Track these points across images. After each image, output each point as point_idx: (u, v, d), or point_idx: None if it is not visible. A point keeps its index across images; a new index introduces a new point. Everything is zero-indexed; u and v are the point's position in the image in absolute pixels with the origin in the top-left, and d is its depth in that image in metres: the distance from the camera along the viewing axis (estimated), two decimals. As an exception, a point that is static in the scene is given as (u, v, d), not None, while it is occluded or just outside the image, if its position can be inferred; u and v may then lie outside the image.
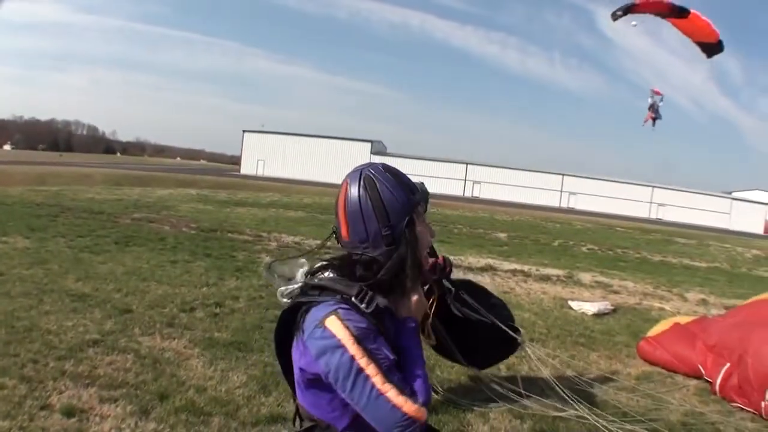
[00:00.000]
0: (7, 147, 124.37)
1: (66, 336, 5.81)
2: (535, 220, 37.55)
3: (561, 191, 79.33)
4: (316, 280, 1.71)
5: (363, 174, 1.74)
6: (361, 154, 78.83)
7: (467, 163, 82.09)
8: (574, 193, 78.53)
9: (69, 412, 4.19)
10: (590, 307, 9.82)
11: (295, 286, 1.74)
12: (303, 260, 1.84)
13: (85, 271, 8.70)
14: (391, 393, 1.51)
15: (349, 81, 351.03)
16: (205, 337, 6.27)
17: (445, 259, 4.47)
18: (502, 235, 23.25)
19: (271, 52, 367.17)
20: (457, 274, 11.42)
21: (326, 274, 1.73)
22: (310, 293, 1.68)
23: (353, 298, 1.62)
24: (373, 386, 1.51)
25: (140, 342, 5.90)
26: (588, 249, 21.41)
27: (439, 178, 74.64)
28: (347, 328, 1.54)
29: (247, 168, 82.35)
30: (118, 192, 25.35)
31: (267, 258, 11.72)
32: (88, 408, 4.31)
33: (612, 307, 10.20)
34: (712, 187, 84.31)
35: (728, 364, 6.46)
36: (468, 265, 13.74)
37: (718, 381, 6.42)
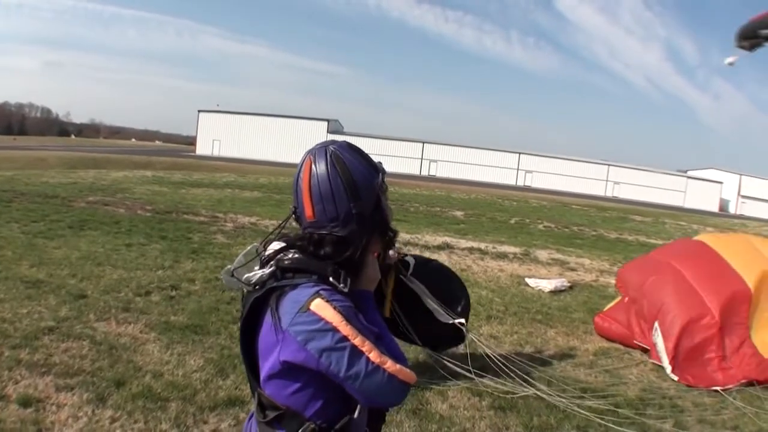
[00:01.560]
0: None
1: (21, 324, 5.71)
2: (492, 198, 37.90)
3: (517, 169, 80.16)
4: (286, 262, 1.64)
5: (329, 151, 1.68)
6: (317, 133, 78.19)
7: (423, 142, 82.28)
8: (530, 172, 79.46)
9: (25, 402, 4.15)
10: (547, 284, 10.02)
11: (265, 271, 1.66)
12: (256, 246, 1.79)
13: (39, 257, 8.53)
14: (388, 364, 1.54)
15: (304, 59, 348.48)
16: (161, 321, 6.24)
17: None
18: (459, 213, 23.46)
19: (225, 30, 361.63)
20: (413, 252, 11.61)
21: (290, 255, 1.66)
22: (283, 276, 1.63)
23: (331, 278, 1.60)
24: (369, 361, 1.52)
25: (96, 328, 5.84)
26: (544, 227, 21.75)
27: (396, 157, 74.72)
28: (335, 308, 1.52)
29: (202, 148, 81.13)
30: (73, 175, 24.76)
31: (222, 238, 11.66)
32: (44, 397, 4.28)
33: (569, 284, 10.42)
34: (668, 165, 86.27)
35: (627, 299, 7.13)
36: (425, 243, 13.86)
37: (635, 327, 6.87)
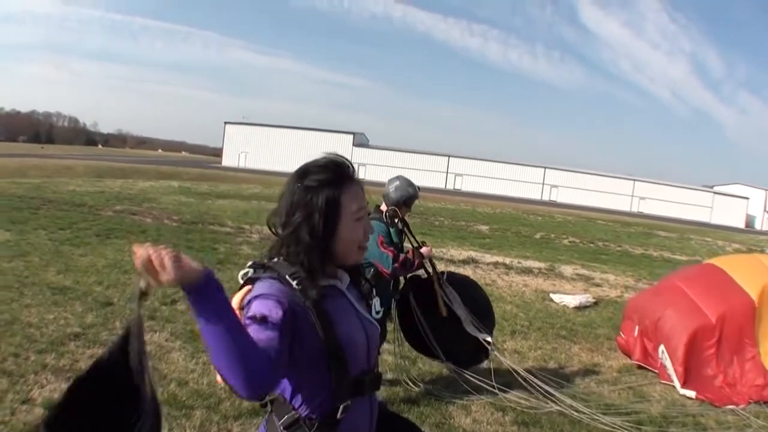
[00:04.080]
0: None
1: (47, 329, 5.77)
2: (517, 212, 37.71)
3: (543, 184, 79.70)
4: (265, 260, 1.74)
5: None
6: (342, 146, 78.68)
7: (449, 156, 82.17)
8: (555, 186, 78.93)
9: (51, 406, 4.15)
10: (571, 300, 9.91)
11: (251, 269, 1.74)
12: None
13: (66, 264, 8.64)
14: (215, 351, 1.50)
15: (330, 73, 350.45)
16: (186, 329, 6.25)
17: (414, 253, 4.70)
18: (484, 228, 23.35)
19: (251, 43, 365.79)
20: (438, 268, 11.49)
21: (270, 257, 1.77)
22: (257, 271, 1.71)
23: (287, 276, 1.64)
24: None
25: (122, 335, 5.86)
26: (569, 242, 21.56)
27: (421, 171, 74.66)
28: (259, 288, 1.63)
29: (228, 160, 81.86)
30: (100, 184, 25.13)
31: (247, 249, 11.71)
32: (69, 402, 4.28)
33: (593, 300, 10.31)
34: (693, 180, 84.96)
35: (637, 327, 6.87)
36: (450, 257, 13.81)
37: (637, 348, 6.74)
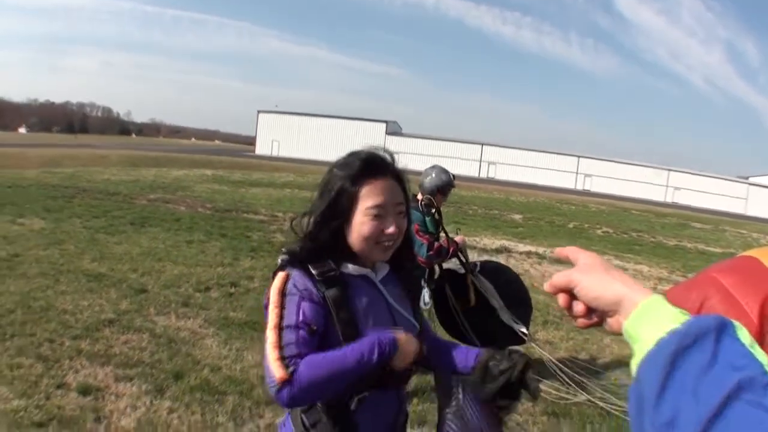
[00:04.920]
0: (22, 130, 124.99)
1: (82, 315, 5.86)
2: (551, 201, 37.28)
3: (576, 173, 78.74)
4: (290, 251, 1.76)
5: None
6: (375, 134, 78.66)
7: (482, 144, 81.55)
8: (589, 175, 77.91)
9: (85, 391, 4.25)
10: (605, 291, 9.75)
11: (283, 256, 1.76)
12: None
13: (101, 252, 8.76)
14: (273, 351, 1.55)
15: (362, 61, 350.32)
16: (220, 316, 6.30)
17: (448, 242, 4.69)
18: (518, 217, 23.16)
19: (284, 33, 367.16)
20: (471, 256, 11.40)
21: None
22: (284, 260, 1.73)
23: (310, 265, 1.68)
24: (266, 328, 1.60)
25: (155, 322, 5.95)
26: (603, 232, 21.27)
27: (454, 159, 74.32)
28: (283, 280, 1.66)
29: (262, 149, 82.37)
30: (134, 173, 25.47)
31: (281, 237, 11.76)
32: (104, 386, 4.37)
33: (627, 291, 10.11)
34: (729, 171, 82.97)
35: None
36: (483, 246, 13.72)
37: None
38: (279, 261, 1.72)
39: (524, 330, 4.65)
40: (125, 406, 4.10)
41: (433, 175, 4.89)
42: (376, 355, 1.56)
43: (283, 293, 1.63)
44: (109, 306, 6.25)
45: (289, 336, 1.56)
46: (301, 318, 1.58)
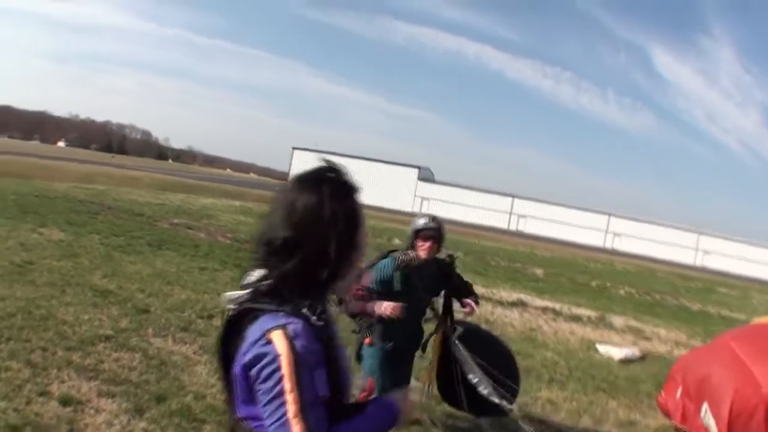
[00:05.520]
0: (61, 144, 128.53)
1: (80, 328, 5.89)
2: (576, 258, 36.78)
3: (606, 231, 77.77)
4: (265, 285, 1.52)
5: None
6: (407, 179, 78.95)
7: (513, 196, 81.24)
8: (618, 234, 76.88)
9: (66, 401, 4.25)
10: (617, 352, 9.52)
11: (244, 292, 1.54)
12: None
13: (113, 269, 8.83)
14: (297, 428, 1.38)
15: (400, 106, 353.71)
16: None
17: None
18: (539, 271, 22.83)
19: (325, 72, 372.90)
20: (485, 308, 11.15)
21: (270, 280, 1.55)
22: (261, 300, 1.51)
23: (305, 309, 1.48)
24: (285, 412, 1.38)
25: (151, 342, 5.94)
26: (625, 292, 20.86)
27: (484, 210, 74.44)
28: (291, 345, 1.40)
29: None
30: (162, 197, 25.77)
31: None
32: (85, 400, 4.36)
33: (640, 354, 9.87)
34: (762, 236, 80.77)
35: (680, 388, 6.41)
36: (499, 298, 13.51)
37: (678, 411, 6.31)
38: (266, 314, 1.47)
39: (510, 406, 4.44)
40: (102, 421, 4.08)
41: (415, 219, 4.58)
42: (388, 423, 1.61)
43: (297, 363, 1.40)
44: (108, 322, 6.27)
45: (313, 419, 1.41)
46: (319, 393, 1.44)
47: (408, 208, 71.31)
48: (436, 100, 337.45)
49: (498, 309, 11.70)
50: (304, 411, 1.38)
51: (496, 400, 4.31)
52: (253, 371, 1.43)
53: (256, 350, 1.43)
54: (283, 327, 1.42)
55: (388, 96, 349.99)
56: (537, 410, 6.10)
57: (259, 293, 1.52)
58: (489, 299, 12.83)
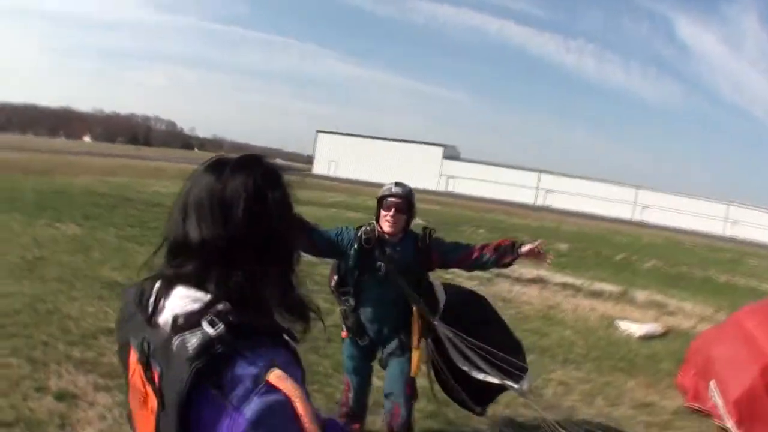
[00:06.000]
0: (86, 139, 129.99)
1: (84, 322, 5.91)
2: (603, 231, 36.33)
3: (634, 204, 76.69)
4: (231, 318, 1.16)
5: None
6: (432, 158, 78.56)
7: (540, 171, 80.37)
8: (647, 207, 75.79)
9: (61, 396, 4.26)
10: (637, 329, 9.31)
11: (210, 331, 1.12)
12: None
13: (124, 260, 8.85)
14: None
15: (422, 84, 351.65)
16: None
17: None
18: (564, 246, 22.44)
19: (347, 55, 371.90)
20: (502, 285, 10.97)
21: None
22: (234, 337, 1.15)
23: (283, 334, 1.23)
24: None
25: (155, 335, 5.91)
26: (651, 265, 20.48)
27: (510, 186, 74.12)
28: (293, 382, 1.15)
29: (319, 168, 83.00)
30: (184, 186, 25.76)
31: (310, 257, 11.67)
32: (81, 394, 4.37)
33: (662, 330, 9.63)
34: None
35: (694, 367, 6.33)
36: (518, 275, 13.29)
37: (691, 389, 6.19)
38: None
39: (515, 386, 3.82)
40: (94, 415, 4.07)
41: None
42: None
43: (304, 398, 1.15)
44: (113, 314, 6.24)
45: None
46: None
47: (433, 187, 71.07)
48: (460, 78, 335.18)
49: (516, 286, 11.54)
50: None
51: (497, 381, 3.73)
52: (262, 428, 1.14)
53: (260, 403, 1.13)
54: (273, 364, 1.15)
55: (410, 75, 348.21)
56: (548, 393, 5.96)
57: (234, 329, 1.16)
58: (506, 276, 12.58)
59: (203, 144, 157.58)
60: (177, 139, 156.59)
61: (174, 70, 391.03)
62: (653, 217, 72.66)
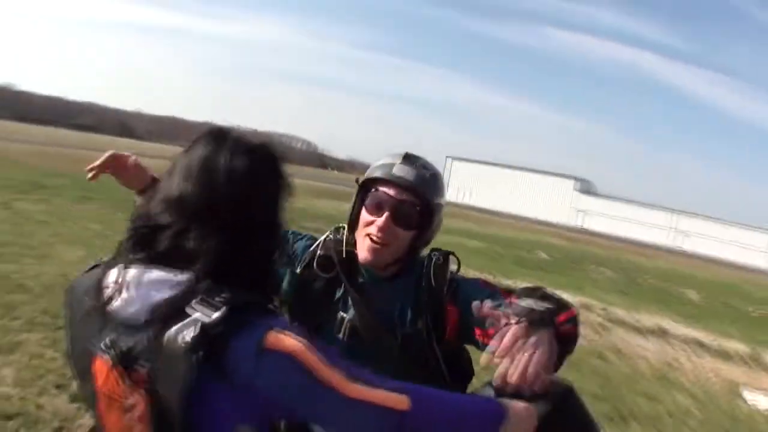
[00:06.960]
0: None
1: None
2: (737, 281, 33.17)
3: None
4: (223, 296, 1.09)
5: None
6: (563, 191, 76.82)
7: (676, 211, 75.53)
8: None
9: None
10: (766, 402, 8.03)
11: (213, 315, 1.07)
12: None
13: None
14: (366, 393, 1.08)
15: (557, 115, 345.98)
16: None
17: None
18: (693, 295, 20.55)
19: (481, 81, 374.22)
20: (616, 333, 9.96)
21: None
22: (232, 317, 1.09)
23: (270, 305, 1.24)
24: (341, 396, 1.07)
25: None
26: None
27: (643, 224, 71.09)
28: (293, 336, 1.09)
29: (448, 195, 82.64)
30: (308, 202, 25.80)
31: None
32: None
33: (798, 405, 8.25)
34: None
35: None
36: (636, 322, 12.06)
37: None
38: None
39: None
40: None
41: None
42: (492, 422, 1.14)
43: (311, 348, 1.09)
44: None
45: (360, 373, 1.11)
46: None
47: (564, 221, 69.23)
48: (598, 109, 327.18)
49: (632, 336, 10.43)
50: (351, 377, 1.09)
51: None
52: (276, 388, 1.09)
53: (273, 365, 1.08)
54: (271, 327, 1.10)
55: (551, 107, 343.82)
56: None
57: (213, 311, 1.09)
58: (623, 322, 11.55)
59: (341, 165, 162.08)
60: (313, 158, 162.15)
61: (312, 91, 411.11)
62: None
